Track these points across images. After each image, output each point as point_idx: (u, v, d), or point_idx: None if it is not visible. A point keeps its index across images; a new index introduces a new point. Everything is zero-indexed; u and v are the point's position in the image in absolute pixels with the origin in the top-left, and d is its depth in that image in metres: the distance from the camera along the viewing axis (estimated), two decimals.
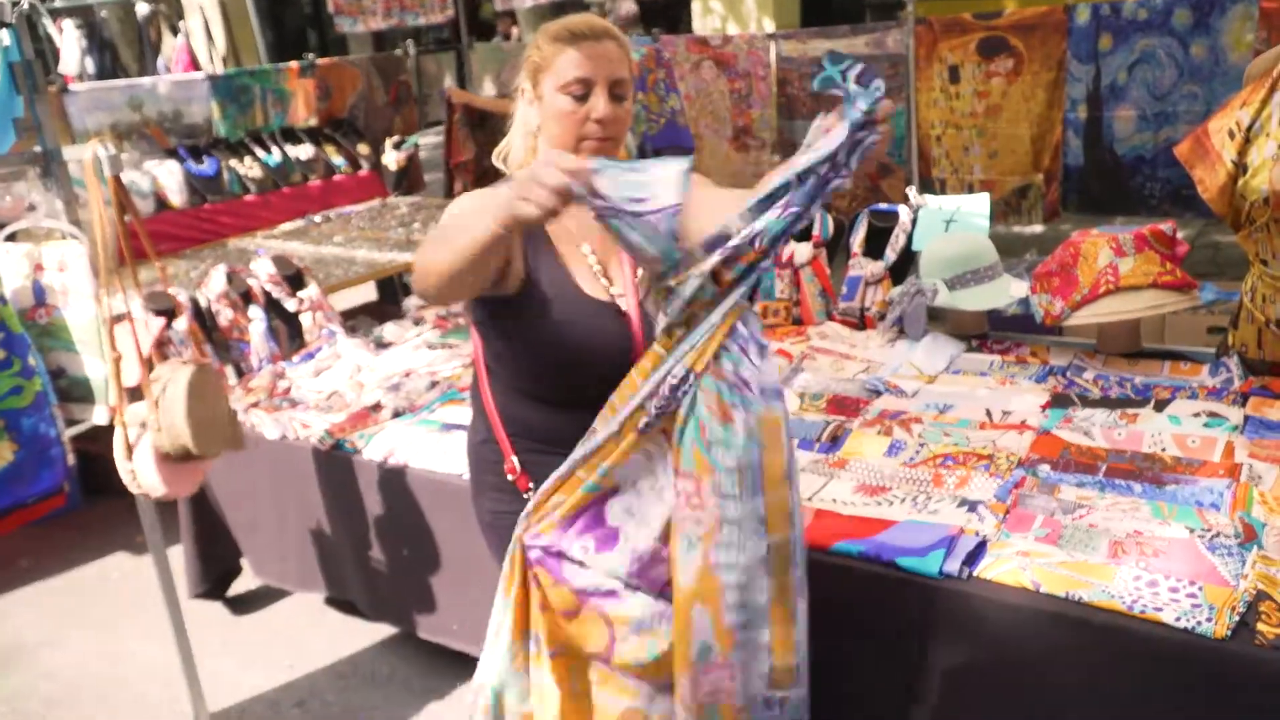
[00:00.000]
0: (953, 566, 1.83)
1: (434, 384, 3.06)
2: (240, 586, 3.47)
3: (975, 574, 1.82)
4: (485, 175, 6.87)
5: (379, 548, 2.77)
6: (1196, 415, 2.28)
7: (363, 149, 6.25)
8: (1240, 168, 2.35)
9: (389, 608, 2.87)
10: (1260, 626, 1.59)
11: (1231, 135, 2.36)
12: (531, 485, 1.79)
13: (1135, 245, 2.53)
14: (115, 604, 3.53)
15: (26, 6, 2.06)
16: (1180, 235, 2.62)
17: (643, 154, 4.56)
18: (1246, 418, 2.25)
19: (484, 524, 1.94)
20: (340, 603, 3.29)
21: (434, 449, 2.64)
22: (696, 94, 5.47)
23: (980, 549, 1.88)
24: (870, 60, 5.07)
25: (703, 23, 9.18)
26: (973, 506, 2.01)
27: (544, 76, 1.72)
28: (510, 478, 1.83)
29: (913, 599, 1.86)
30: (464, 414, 2.82)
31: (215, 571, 3.33)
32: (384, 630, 3.16)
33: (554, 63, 1.71)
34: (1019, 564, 1.81)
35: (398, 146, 6.26)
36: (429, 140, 7.35)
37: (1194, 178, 2.45)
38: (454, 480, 2.52)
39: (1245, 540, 1.79)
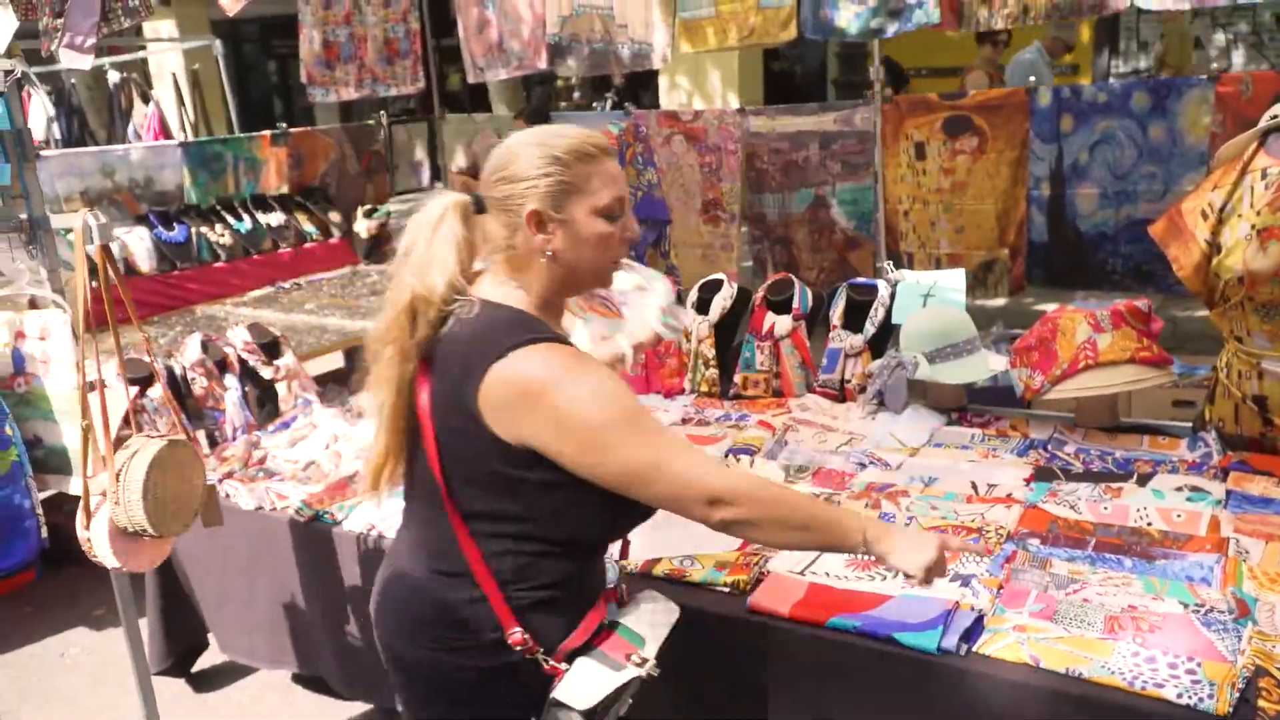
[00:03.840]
0: (951, 642, 1.82)
1: None
2: (204, 662, 3.36)
3: (974, 649, 1.81)
4: None
5: (357, 622, 2.71)
6: (1179, 489, 2.31)
7: (334, 217, 6.26)
8: (1214, 247, 2.42)
9: (365, 683, 2.80)
10: (1261, 703, 1.59)
11: (1205, 215, 2.43)
12: (540, 648, 1.61)
13: (1112, 321, 2.58)
14: (76, 681, 3.40)
15: (19, 74, 2.06)
16: None
17: None
18: (1229, 492, 2.28)
19: (466, 682, 1.64)
20: (309, 680, 3.20)
21: None
22: (667, 167, 5.56)
23: (978, 624, 1.87)
24: (839, 137, 5.19)
25: (669, 98, 9.36)
26: (966, 581, 2.01)
27: (576, 199, 1.58)
28: (516, 645, 1.59)
29: (912, 675, 1.85)
30: None
31: (180, 647, 3.22)
32: (354, 709, 3.07)
33: (590, 183, 1.59)
34: (1016, 639, 1.80)
35: (369, 215, 6.28)
36: (400, 208, 7.38)
37: (1169, 256, 2.52)
38: None
39: (1239, 616, 1.80)
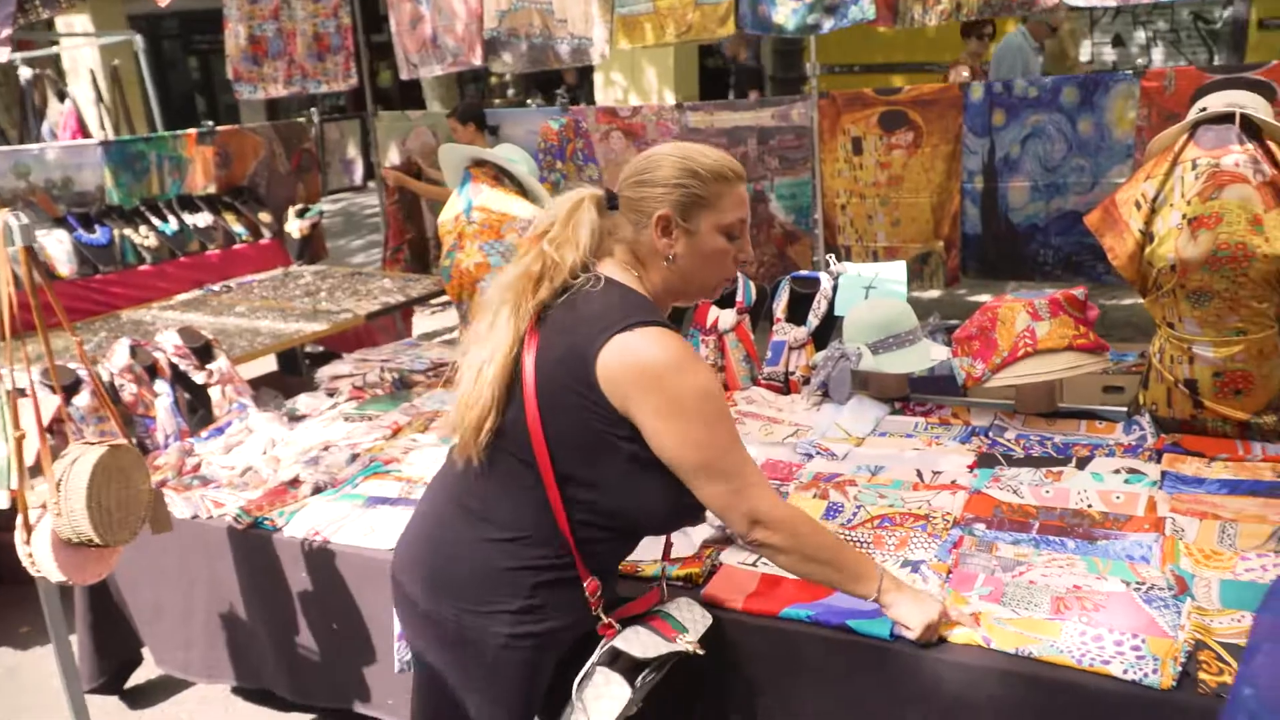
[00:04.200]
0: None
1: (355, 457, 2.97)
2: (139, 678, 3.26)
3: None
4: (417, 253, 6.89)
5: (302, 628, 2.65)
6: (1117, 472, 2.36)
7: (264, 217, 6.13)
8: (1147, 236, 2.48)
9: (316, 689, 2.74)
10: (1202, 675, 1.63)
11: (1138, 206, 2.49)
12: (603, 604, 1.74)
13: (1050, 310, 2.63)
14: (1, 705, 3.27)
15: None
16: None
17: None
18: (1164, 473, 2.34)
19: (494, 646, 1.71)
20: (249, 692, 3.12)
21: (360, 524, 2.55)
22: (606, 163, 5.54)
23: None
24: (777, 132, 5.23)
25: (605, 94, 9.34)
26: (915, 567, 2.03)
27: (705, 213, 1.69)
28: (591, 597, 1.71)
29: (866, 661, 1.86)
30: (390, 488, 2.74)
31: (113, 663, 3.12)
32: (297, 719, 3.01)
33: (720, 201, 1.69)
34: (968, 624, 1.82)
35: (301, 214, 6.16)
36: (333, 207, 7.25)
37: (1104, 246, 2.58)
38: (382, 557, 2.43)
39: (1179, 592, 1.85)
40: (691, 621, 1.82)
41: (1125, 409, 2.75)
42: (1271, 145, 2.38)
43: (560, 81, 11.13)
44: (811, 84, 5.18)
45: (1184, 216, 2.40)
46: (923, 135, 5.05)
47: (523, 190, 3.75)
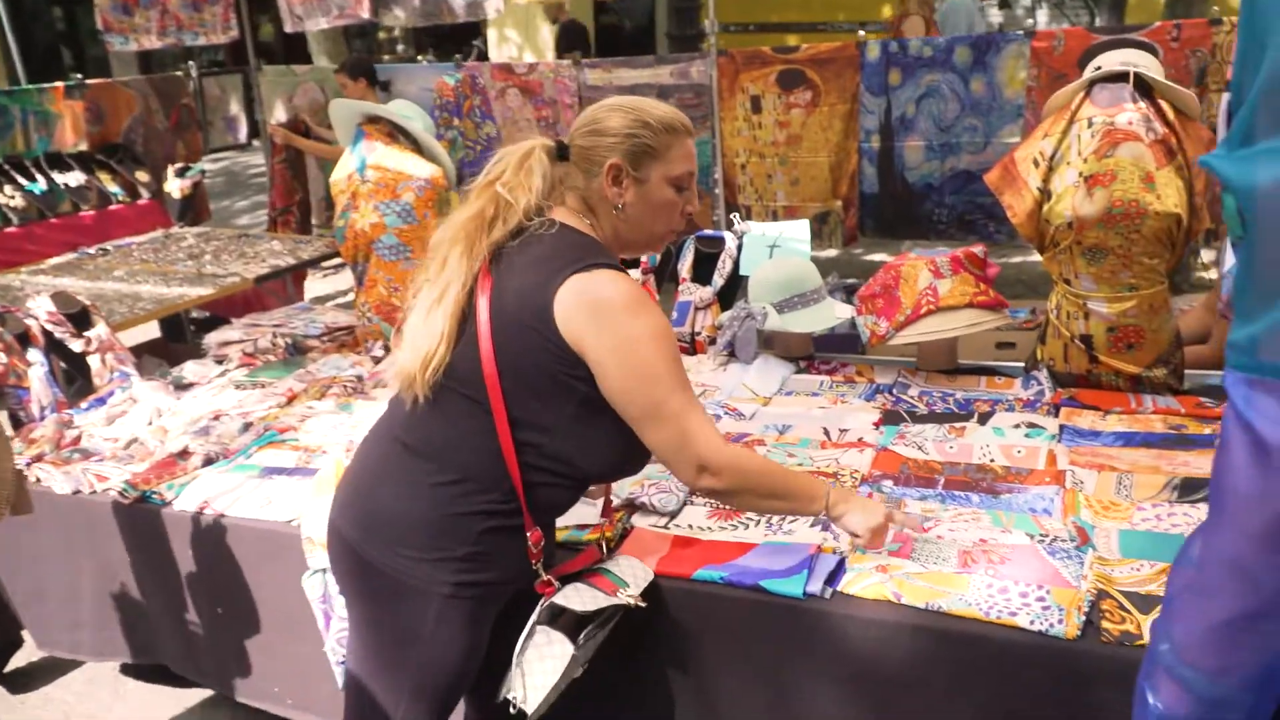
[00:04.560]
0: (815, 587, 1.84)
1: (247, 426, 2.84)
2: (20, 660, 3.10)
3: (838, 589, 1.84)
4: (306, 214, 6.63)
5: (194, 606, 2.53)
6: (1017, 426, 2.42)
7: (142, 176, 5.83)
8: (1045, 194, 2.52)
9: (210, 666, 2.63)
10: (1104, 624, 1.67)
11: (1036, 164, 2.53)
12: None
13: (952, 267, 2.67)
14: None
15: None
16: None
17: (460, 180, 4.45)
18: (1062, 427, 2.40)
19: (439, 595, 1.69)
20: (139, 671, 2.99)
21: (254, 496, 2.45)
22: (503, 121, 5.42)
23: (840, 566, 1.90)
24: (676, 90, 5.18)
25: (499, 51, 9.13)
26: (825, 524, 2.04)
27: (654, 163, 1.71)
28: (534, 548, 1.72)
29: (780, 621, 1.86)
30: (286, 457, 2.64)
31: None
32: (193, 696, 2.90)
33: (669, 152, 1.72)
34: (878, 579, 1.84)
35: (181, 174, 5.87)
36: (215, 166, 6.93)
37: (1004, 204, 2.61)
38: (280, 530, 2.34)
39: (1081, 543, 1.90)
40: (632, 576, 1.84)
41: (1023, 364, 2.81)
42: (1163, 103, 2.44)
43: (453, 37, 10.83)
44: (710, 41, 5.14)
45: (1080, 174, 2.44)
46: (820, 94, 5.06)
47: (418, 148, 3.62)
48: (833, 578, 1.87)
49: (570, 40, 9.43)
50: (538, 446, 1.66)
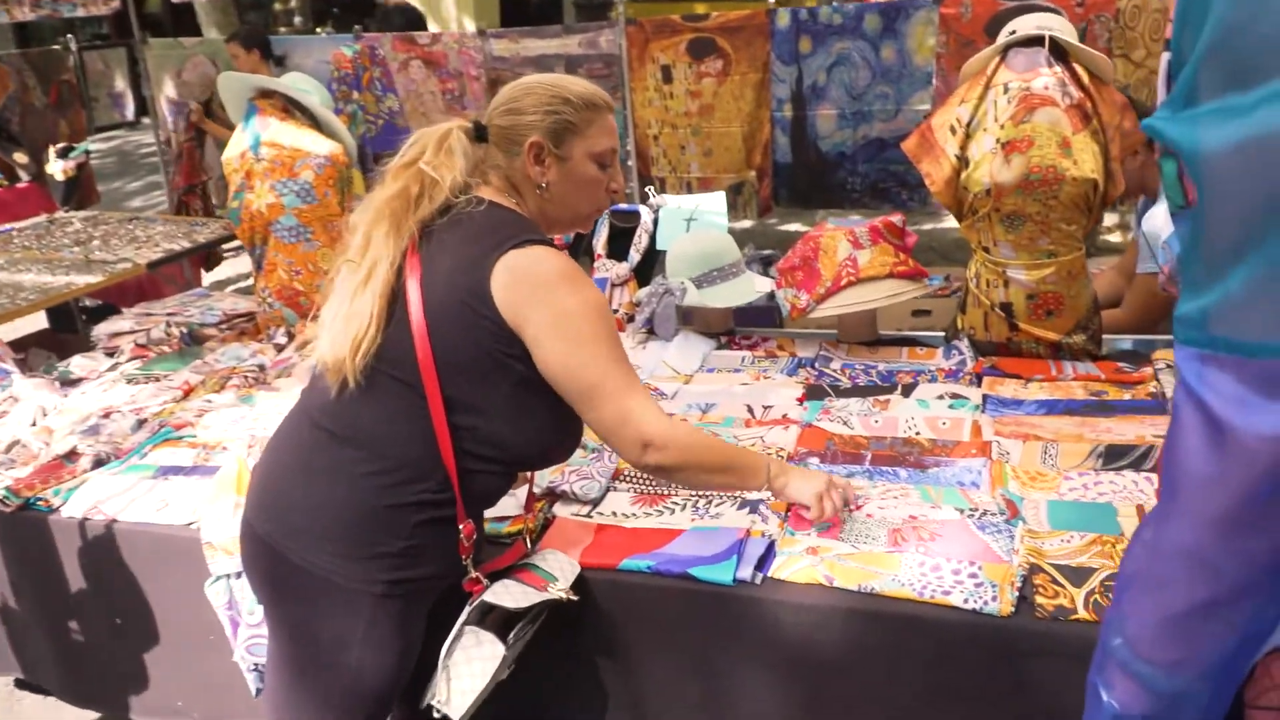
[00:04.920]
0: (746, 572, 1.78)
1: (141, 423, 2.67)
2: None
3: (769, 575, 1.78)
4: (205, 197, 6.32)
5: (87, 620, 2.37)
6: (941, 398, 2.39)
7: (20, 158, 5.49)
8: (963, 161, 2.48)
9: (95, 690, 2.48)
10: (1038, 600, 1.65)
11: (953, 131, 2.49)
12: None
13: (871, 238, 2.62)
14: None
15: None
16: None
17: (362, 157, 4.27)
18: (985, 396, 2.38)
19: (371, 595, 1.61)
20: (36, 685, 2.81)
21: (149, 499, 2.30)
22: (406, 94, 5.23)
23: (769, 550, 1.85)
24: (585, 60, 5.06)
25: None
26: (754, 507, 1.98)
27: (576, 140, 1.69)
28: (466, 541, 1.65)
29: (711, 609, 1.80)
30: (184, 455, 2.48)
31: None
32: (88, 714, 2.74)
33: (590, 128, 1.70)
34: (809, 562, 1.79)
35: (64, 154, 5.54)
36: (103, 146, 6.59)
37: (921, 172, 2.57)
38: (179, 534, 2.19)
39: (1010, 517, 1.87)
40: (560, 569, 1.79)
41: (944, 334, 2.79)
42: (1078, 68, 2.42)
43: (353, 8, 10.47)
44: (619, 10, 5.03)
45: (997, 140, 2.42)
46: (732, 63, 4.99)
47: (316, 123, 3.45)
48: (763, 562, 1.82)
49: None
50: (473, 430, 1.60)
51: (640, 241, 3.05)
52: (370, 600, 1.60)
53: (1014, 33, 2.45)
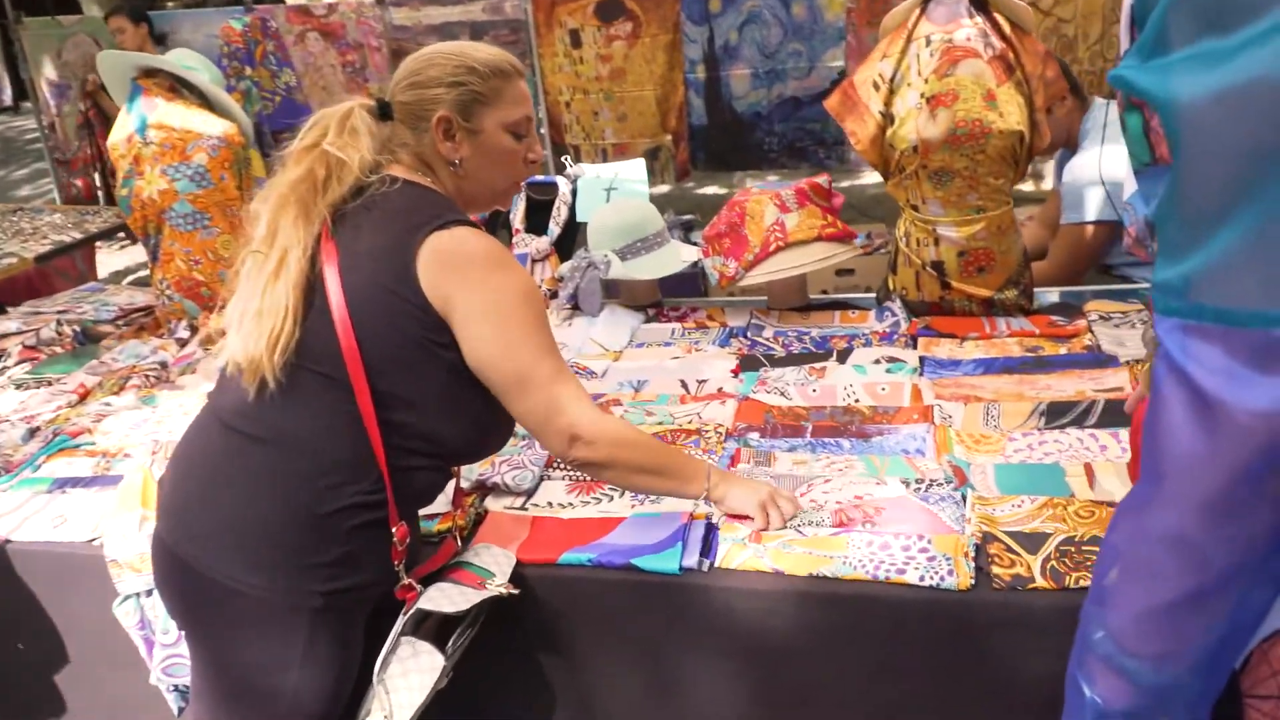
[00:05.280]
0: (692, 560, 1.70)
1: (33, 432, 2.48)
2: None
3: (716, 565, 1.70)
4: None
5: None
6: (877, 362, 2.34)
7: None
8: (888, 118, 2.42)
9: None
10: (995, 570, 1.60)
11: (876, 87, 2.42)
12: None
13: (798, 200, 2.55)
14: None
15: None
16: None
17: (259, 136, 4.04)
18: (922, 359, 2.33)
19: (310, 609, 1.49)
20: None
21: (46, 515, 2.13)
22: (304, 68, 4.99)
23: (712, 534, 1.77)
24: (491, 26, 4.88)
25: None
26: None
27: (487, 111, 1.59)
28: (399, 545, 1.54)
29: (656, 599, 1.71)
30: (81, 465, 2.31)
31: None
32: None
33: (501, 97, 1.60)
34: (754, 551, 1.70)
35: None
36: None
37: (846, 130, 2.51)
38: (80, 551, 2.03)
39: (959, 484, 1.82)
40: (496, 564, 1.70)
41: (875, 295, 2.74)
42: (998, 17, 2.36)
43: None
44: None
45: (922, 95, 2.36)
46: (641, 25, 4.87)
47: (207, 102, 3.23)
48: (708, 547, 1.74)
49: None
50: (405, 425, 1.51)
51: (559, 214, 2.93)
52: (308, 615, 1.49)
53: None
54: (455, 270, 1.48)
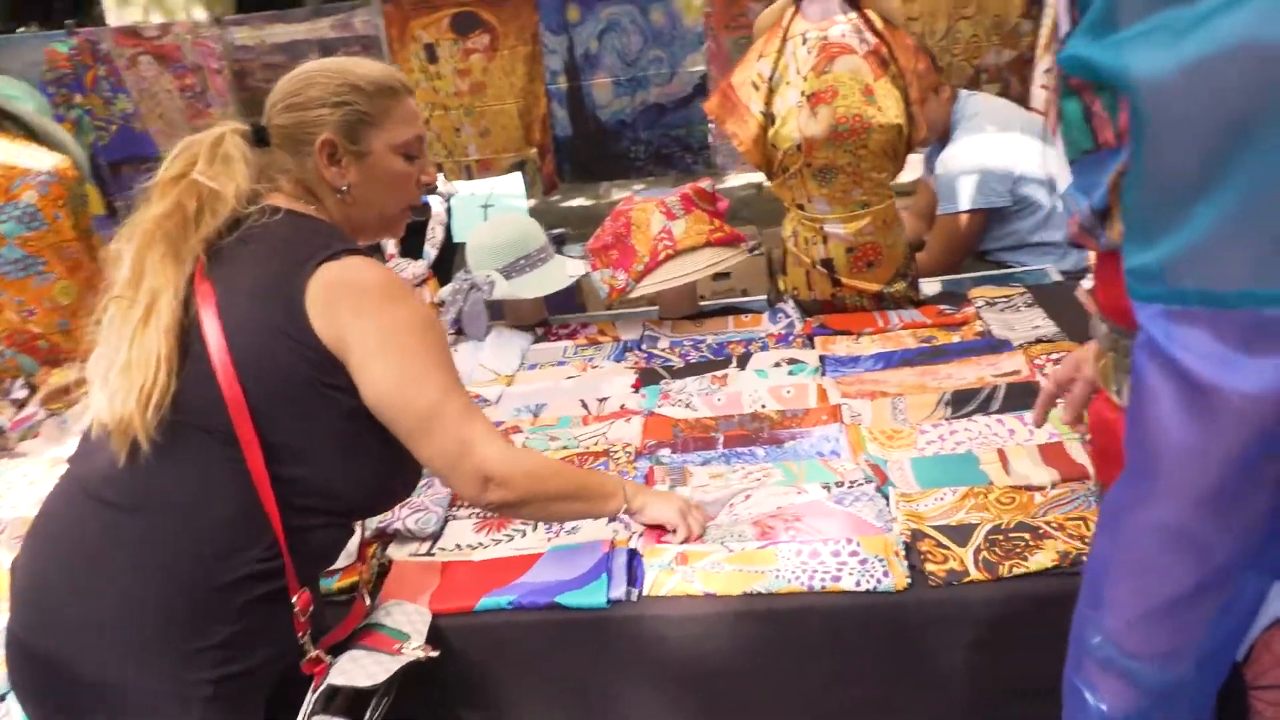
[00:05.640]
0: (620, 591, 1.60)
1: None
2: None
3: (645, 594, 1.62)
4: None
5: None
6: (778, 365, 2.30)
7: None
8: (769, 118, 2.39)
9: None
10: (929, 568, 1.57)
11: (756, 87, 2.39)
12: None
13: (683, 206, 2.50)
14: None
15: None
16: None
17: (95, 169, 3.75)
18: (822, 358, 2.31)
19: (200, 699, 1.31)
20: None
21: None
22: (139, 94, 4.67)
23: (636, 561, 1.68)
24: (341, 44, 4.69)
25: (120, 15, 8.02)
26: (611, 515, 1.81)
27: (374, 132, 1.48)
28: (301, 615, 1.39)
29: (586, 637, 1.61)
30: None
31: None
32: None
33: (389, 116, 1.49)
34: (682, 574, 1.62)
35: None
36: None
37: (727, 132, 2.47)
38: None
39: (880, 483, 1.79)
40: (409, 623, 1.56)
41: (765, 298, 2.71)
42: (869, 14, 2.36)
43: (62, 8, 9.41)
44: None
45: (802, 93, 2.33)
46: (499, 37, 4.76)
47: (33, 134, 2.97)
48: (633, 575, 1.65)
49: None
50: (300, 479, 1.37)
51: (435, 235, 2.80)
52: (198, 708, 1.31)
53: None
54: (348, 304, 1.36)
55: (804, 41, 2.33)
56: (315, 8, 4.82)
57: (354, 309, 1.36)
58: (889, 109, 2.33)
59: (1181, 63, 0.72)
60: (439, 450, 1.41)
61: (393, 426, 1.41)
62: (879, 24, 2.36)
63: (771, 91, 2.37)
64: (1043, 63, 4.25)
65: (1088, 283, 1.17)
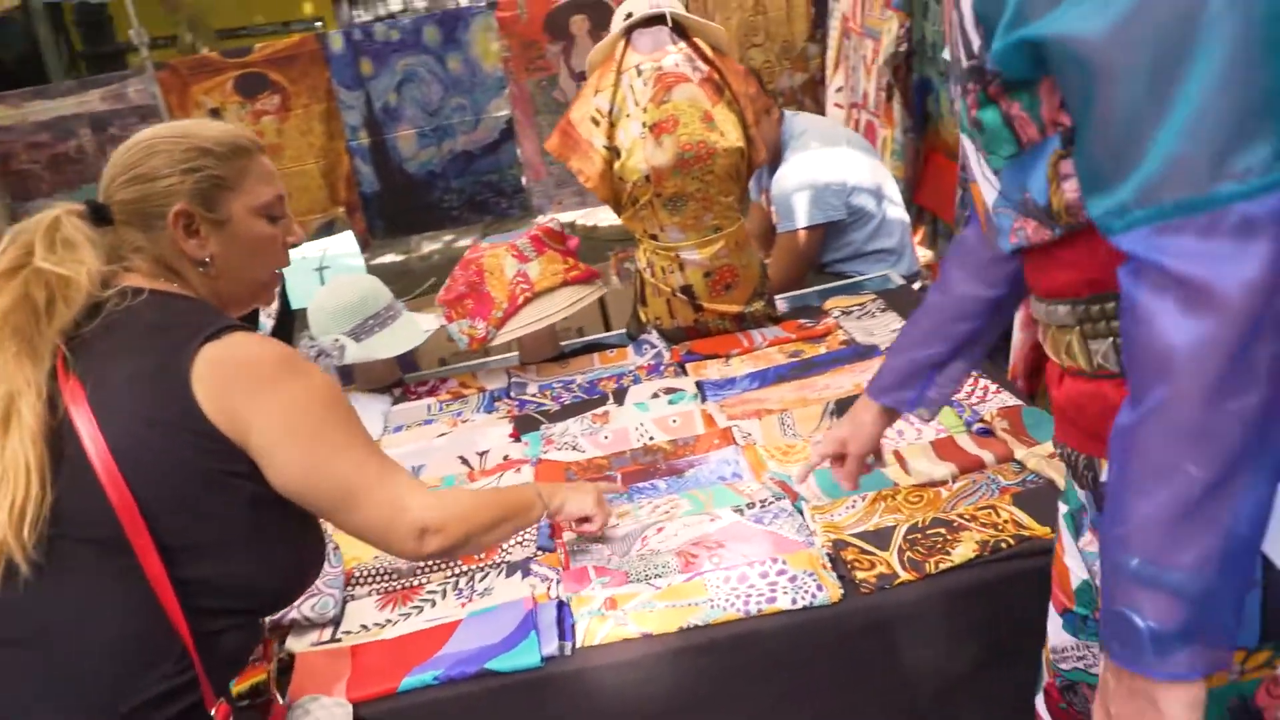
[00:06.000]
0: (551, 647, 1.54)
1: None
2: None
3: (579, 645, 1.55)
4: None
5: None
6: (656, 396, 2.28)
7: None
8: (613, 151, 2.38)
9: None
10: (859, 576, 1.58)
11: (596, 122, 2.38)
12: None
13: (535, 248, 2.45)
14: None
15: None
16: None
17: None
18: (698, 383, 2.31)
19: None
20: None
21: None
22: None
23: (564, 612, 1.61)
24: (115, 116, 4.37)
25: None
26: (524, 570, 1.74)
27: (231, 196, 1.37)
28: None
29: (521, 699, 1.53)
30: None
31: None
32: None
33: (246, 179, 1.39)
34: (615, 619, 1.57)
35: None
36: None
37: (572, 169, 2.45)
38: None
39: (793, 500, 1.79)
40: (331, 719, 1.47)
41: (625, 331, 2.70)
42: (699, 42, 2.40)
43: None
44: (143, 55, 4.40)
45: (644, 124, 2.34)
46: (290, 96, 4.57)
47: None
48: (563, 629, 1.58)
49: None
50: (206, 580, 1.24)
51: (270, 304, 2.63)
52: None
53: (630, 15, 2.39)
54: (241, 385, 1.24)
55: (639, 73, 2.35)
56: (85, 80, 4.49)
57: (248, 389, 1.25)
58: (729, 133, 2.37)
59: (1117, 18, 0.79)
60: (368, 519, 1.33)
61: (311, 508, 1.30)
62: (709, 52, 2.41)
63: (613, 125, 2.37)
64: (834, 82, 4.48)
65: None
